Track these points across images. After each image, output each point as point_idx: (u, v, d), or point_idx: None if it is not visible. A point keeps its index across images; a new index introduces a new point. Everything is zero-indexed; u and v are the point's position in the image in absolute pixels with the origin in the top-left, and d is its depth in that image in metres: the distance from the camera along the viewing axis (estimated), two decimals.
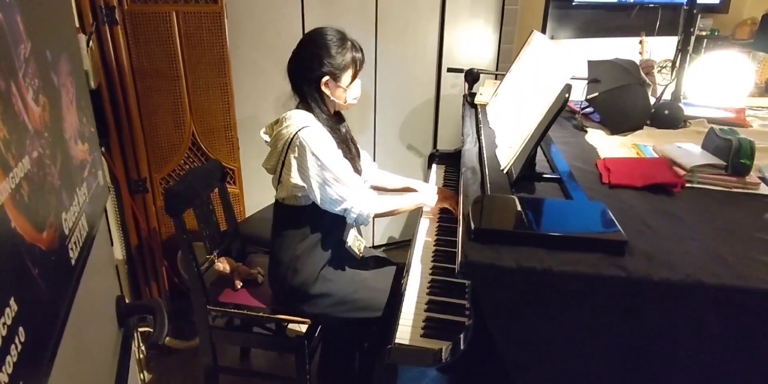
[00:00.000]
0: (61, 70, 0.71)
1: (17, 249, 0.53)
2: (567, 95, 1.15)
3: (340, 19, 2.42)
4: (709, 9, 3.15)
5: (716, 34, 3.67)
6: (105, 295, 0.96)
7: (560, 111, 1.16)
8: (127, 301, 1.21)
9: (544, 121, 1.20)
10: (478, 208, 1.08)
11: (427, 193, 1.70)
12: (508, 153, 1.36)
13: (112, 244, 1.62)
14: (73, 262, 0.70)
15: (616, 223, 1.02)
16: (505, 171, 1.30)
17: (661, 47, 2.71)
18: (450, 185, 2.05)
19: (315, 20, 2.37)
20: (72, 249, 0.70)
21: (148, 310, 0.99)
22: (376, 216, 1.56)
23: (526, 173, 1.27)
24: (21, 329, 0.54)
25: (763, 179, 1.34)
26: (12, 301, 0.53)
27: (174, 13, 1.91)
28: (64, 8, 0.83)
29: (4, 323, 0.50)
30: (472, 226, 1.00)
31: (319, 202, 1.47)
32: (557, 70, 1.32)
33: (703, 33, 3.57)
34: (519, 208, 1.09)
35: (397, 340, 1.19)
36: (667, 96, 1.93)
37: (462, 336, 1.07)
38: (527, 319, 0.97)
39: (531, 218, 1.05)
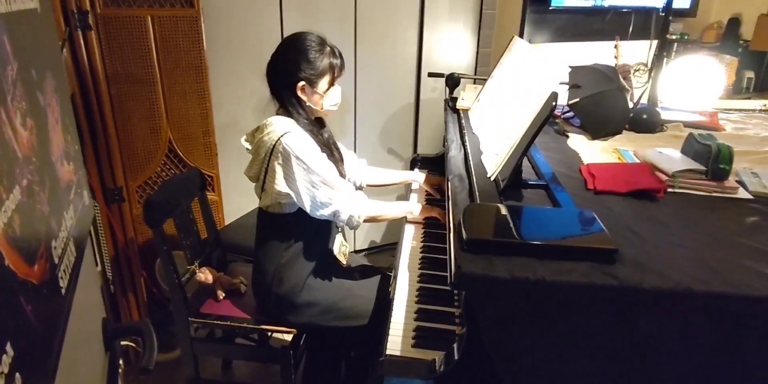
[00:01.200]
0: (47, 88, 0.67)
1: (11, 287, 0.49)
2: (554, 103, 1.16)
3: (320, 24, 2.40)
4: (678, 13, 3.24)
5: (686, 37, 3.77)
6: (91, 318, 0.92)
7: (548, 119, 1.17)
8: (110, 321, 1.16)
9: (531, 128, 1.21)
10: (468, 217, 1.08)
11: (415, 204, 1.70)
12: (494, 160, 1.36)
13: (96, 263, 1.56)
14: (63, 291, 0.66)
15: (606, 231, 1.03)
16: (492, 178, 1.30)
17: (633, 51, 2.77)
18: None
19: (294, 24, 2.34)
20: (62, 278, 0.66)
21: (137, 332, 0.95)
22: (365, 220, 1.55)
23: (513, 180, 1.28)
24: (18, 375, 0.50)
25: (740, 183, 1.38)
26: (8, 347, 0.49)
27: (149, 18, 1.86)
28: (47, 21, 0.79)
29: (2, 372, 0.46)
30: (465, 236, 0.99)
31: (308, 207, 1.45)
32: (543, 76, 1.33)
33: (674, 37, 3.67)
34: (509, 217, 1.09)
35: (388, 352, 1.17)
36: (643, 100, 1.97)
37: (455, 346, 1.06)
38: (521, 329, 0.97)
39: (522, 227, 1.05)
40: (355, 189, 1.80)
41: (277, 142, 1.40)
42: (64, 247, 0.69)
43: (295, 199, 1.45)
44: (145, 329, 0.92)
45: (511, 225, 1.06)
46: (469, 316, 1.00)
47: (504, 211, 1.11)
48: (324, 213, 1.46)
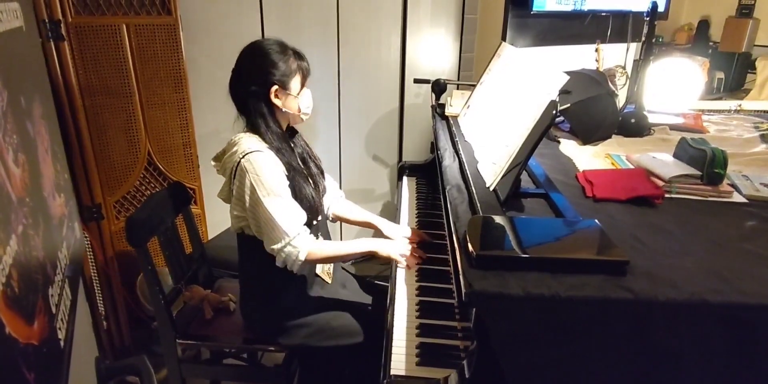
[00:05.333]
0: (35, 115, 0.61)
1: (14, 360, 0.43)
2: (555, 111, 1.13)
3: (302, 30, 2.35)
4: None
5: (660, 40, 3.85)
6: (84, 359, 0.85)
7: (548, 128, 1.14)
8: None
9: (532, 137, 1.18)
10: (474, 231, 1.04)
11: (381, 242, 1.47)
12: (492, 169, 1.33)
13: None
14: (62, 343, 0.60)
15: (614, 241, 1.01)
16: (492, 189, 1.27)
17: (610, 54, 2.79)
18: (422, 197, 2.02)
19: (275, 31, 2.28)
20: (60, 328, 0.60)
21: (133, 371, 0.88)
22: (312, 262, 1.44)
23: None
24: None
25: (733, 187, 1.38)
26: None
27: (124, 26, 1.78)
28: (32, 39, 0.72)
29: None
30: (473, 251, 0.96)
31: (257, 236, 1.37)
32: (540, 84, 1.31)
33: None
34: (515, 229, 1.06)
35: (393, 371, 1.13)
36: (623, 102, 1.98)
37: (465, 363, 1.03)
38: (535, 345, 0.94)
39: (530, 241, 1.02)
40: (323, 217, 1.63)
41: (238, 163, 1.32)
42: (60, 292, 0.63)
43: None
44: (141, 367, 0.85)
45: (519, 238, 1.03)
46: (480, 332, 0.97)
47: (509, 223, 1.08)
48: (266, 248, 1.35)
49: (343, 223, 2.47)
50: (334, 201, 1.69)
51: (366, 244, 1.46)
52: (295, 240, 1.34)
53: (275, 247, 1.34)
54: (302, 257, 1.35)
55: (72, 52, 1.68)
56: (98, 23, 1.73)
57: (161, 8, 1.84)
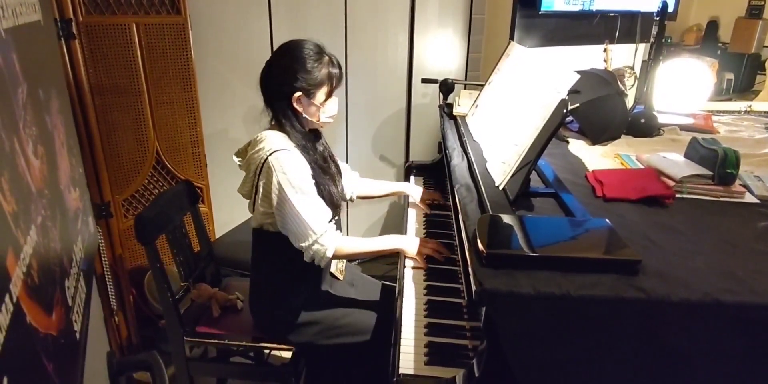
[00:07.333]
0: (53, 108, 0.61)
1: (34, 349, 0.44)
2: (565, 111, 1.13)
3: (310, 30, 2.35)
4: None
5: (668, 40, 3.83)
6: (96, 354, 0.85)
7: (559, 127, 1.14)
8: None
9: (542, 136, 1.18)
10: (483, 229, 1.04)
11: (406, 241, 1.50)
12: (501, 168, 1.33)
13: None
14: (78, 336, 0.60)
15: (625, 240, 1.00)
16: (501, 188, 1.27)
17: (618, 54, 2.78)
18: None
19: (283, 31, 2.29)
20: (75, 321, 0.60)
21: (145, 366, 0.88)
22: (339, 257, 1.47)
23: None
24: None
25: (745, 187, 1.37)
26: None
27: (134, 25, 1.79)
28: (50, 33, 0.73)
29: None
30: (483, 250, 0.96)
31: (282, 231, 1.39)
32: (550, 83, 1.30)
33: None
34: (526, 228, 1.05)
35: (401, 370, 1.13)
36: (632, 103, 1.97)
37: (474, 362, 1.02)
38: (545, 345, 0.94)
39: (540, 239, 1.02)
40: (346, 200, 1.73)
41: (265, 160, 1.33)
42: (76, 285, 0.63)
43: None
44: (152, 362, 0.85)
45: (530, 237, 1.02)
46: (489, 331, 0.97)
47: (519, 222, 1.08)
48: (294, 243, 1.37)
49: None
50: (354, 185, 1.73)
51: (393, 243, 1.48)
52: (322, 238, 1.36)
53: (303, 244, 1.36)
54: (329, 254, 1.37)
55: (83, 50, 1.70)
56: (108, 22, 1.74)
57: (171, 8, 1.85)
